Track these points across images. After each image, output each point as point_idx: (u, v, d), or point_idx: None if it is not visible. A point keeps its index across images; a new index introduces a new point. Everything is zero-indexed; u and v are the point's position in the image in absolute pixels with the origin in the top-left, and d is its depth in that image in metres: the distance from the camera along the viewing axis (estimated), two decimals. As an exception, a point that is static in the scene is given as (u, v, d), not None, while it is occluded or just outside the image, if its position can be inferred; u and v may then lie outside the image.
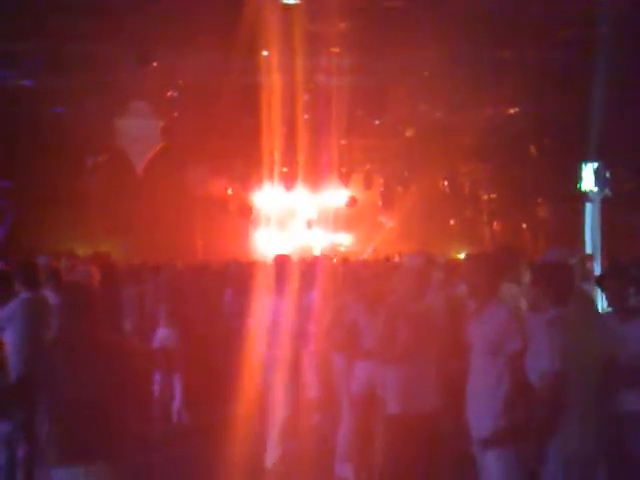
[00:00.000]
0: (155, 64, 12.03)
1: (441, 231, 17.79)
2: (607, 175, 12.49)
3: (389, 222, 18.15)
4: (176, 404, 8.25)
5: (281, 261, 7.07)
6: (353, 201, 17.71)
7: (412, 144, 16.36)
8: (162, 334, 8.23)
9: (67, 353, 3.74)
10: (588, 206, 12.22)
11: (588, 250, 11.06)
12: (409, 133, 16.22)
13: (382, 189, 17.93)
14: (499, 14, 11.31)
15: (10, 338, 5.48)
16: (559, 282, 4.16)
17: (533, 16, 11.47)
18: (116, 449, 3.68)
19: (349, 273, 7.19)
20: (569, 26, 11.96)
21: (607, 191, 12.46)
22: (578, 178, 12.61)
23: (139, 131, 13.37)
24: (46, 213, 14.63)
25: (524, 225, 16.97)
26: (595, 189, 12.34)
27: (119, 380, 3.68)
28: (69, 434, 3.65)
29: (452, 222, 18.48)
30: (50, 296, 6.20)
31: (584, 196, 12.43)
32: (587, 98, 11.60)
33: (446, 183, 17.41)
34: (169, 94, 13.05)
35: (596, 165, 12.36)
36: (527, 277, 5.47)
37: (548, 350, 3.89)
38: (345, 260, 10.14)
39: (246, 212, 17.51)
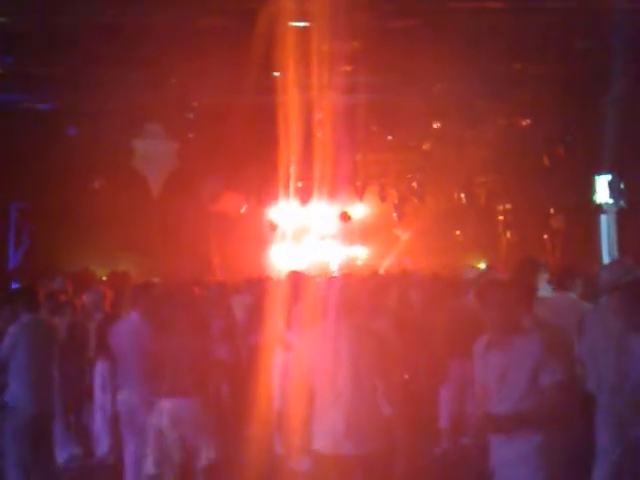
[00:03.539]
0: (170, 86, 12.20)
1: (457, 242, 17.81)
2: (622, 187, 12.44)
3: (405, 234, 18.19)
4: None
5: (295, 278, 7.19)
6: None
7: (426, 157, 16.42)
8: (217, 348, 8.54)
9: (174, 333, 5.88)
10: (603, 218, 12.16)
11: (605, 262, 11.04)
12: (423, 147, 16.28)
13: (397, 202, 17.99)
14: (510, 27, 11.36)
15: (14, 362, 5.69)
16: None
17: (545, 28, 11.51)
18: (201, 390, 5.80)
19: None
20: (581, 38, 11.97)
21: (622, 203, 12.39)
22: (592, 190, 12.56)
23: (155, 152, 13.54)
24: (62, 234, 14.83)
25: (543, 236, 16.93)
26: (610, 201, 12.29)
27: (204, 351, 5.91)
28: (175, 378, 5.72)
29: (468, 233, 18.46)
30: (45, 318, 6.43)
31: (599, 208, 12.37)
32: (600, 110, 11.61)
33: (462, 195, 17.42)
34: (184, 115, 13.21)
35: (610, 177, 12.32)
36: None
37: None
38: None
39: (271, 227, 17.67)
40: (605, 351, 4.90)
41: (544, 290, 5.83)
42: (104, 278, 13.03)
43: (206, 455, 5.85)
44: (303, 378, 6.57)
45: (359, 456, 4.52)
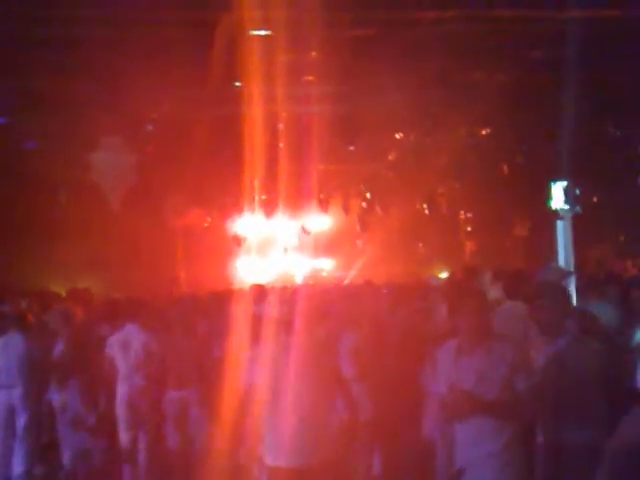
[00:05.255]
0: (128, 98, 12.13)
1: (420, 252, 17.92)
2: (577, 192, 12.68)
3: (368, 245, 18.24)
4: None
5: (257, 291, 7.17)
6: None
7: (388, 167, 16.52)
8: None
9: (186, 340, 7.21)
10: (559, 224, 12.36)
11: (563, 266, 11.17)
12: (385, 157, 16.38)
13: (360, 213, 18.02)
14: (467, 37, 11.52)
15: None
16: None
17: (501, 38, 11.69)
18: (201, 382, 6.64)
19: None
20: (536, 47, 12.18)
21: (578, 208, 12.63)
22: (549, 196, 12.78)
23: (113, 166, 13.43)
24: (20, 251, 14.60)
25: (504, 243, 17.12)
26: (566, 207, 12.51)
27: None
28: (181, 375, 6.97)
29: (431, 243, 18.60)
30: (16, 338, 6.57)
31: (555, 214, 12.58)
32: (555, 118, 11.81)
33: (424, 205, 17.55)
34: (143, 128, 13.14)
35: (565, 183, 12.55)
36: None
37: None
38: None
39: (237, 241, 17.57)
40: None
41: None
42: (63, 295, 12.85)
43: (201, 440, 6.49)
44: (255, 391, 6.61)
45: (309, 467, 4.55)
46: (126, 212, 14.45)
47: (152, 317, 8.02)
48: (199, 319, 9.05)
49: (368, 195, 17.74)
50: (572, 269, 10.81)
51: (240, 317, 7.12)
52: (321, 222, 18.09)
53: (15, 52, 10.78)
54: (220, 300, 9.64)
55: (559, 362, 4.25)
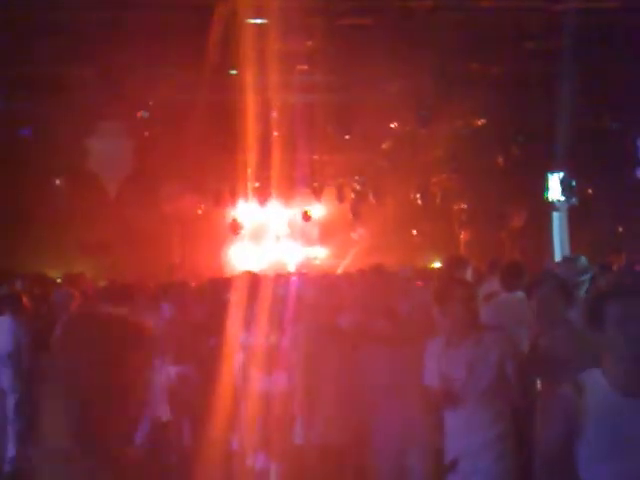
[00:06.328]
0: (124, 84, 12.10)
1: (414, 242, 17.93)
2: (573, 184, 12.65)
3: (361, 235, 18.25)
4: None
5: (249, 279, 7.17)
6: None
7: (383, 157, 16.50)
8: None
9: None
10: (555, 215, 12.34)
11: (557, 258, 11.22)
12: (379, 147, 16.36)
13: (354, 202, 18.01)
14: (464, 28, 11.50)
15: None
16: None
17: (497, 29, 11.68)
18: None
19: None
20: (532, 38, 12.17)
21: (574, 200, 12.60)
22: (545, 188, 12.75)
23: (110, 152, 13.41)
24: (16, 235, 14.58)
25: (499, 234, 17.11)
26: (562, 198, 12.50)
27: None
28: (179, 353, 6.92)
29: (425, 233, 18.60)
30: (6, 320, 6.59)
31: (551, 205, 12.56)
32: (552, 109, 11.81)
33: (418, 195, 17.54)
34: (139, 114, 13.10)
35: (562, 175, 12.53)
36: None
37: None
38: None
39: (235, 228, 17.56)
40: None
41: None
42: (59, 280, 12.84)
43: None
44: (260, 377, 6.62)
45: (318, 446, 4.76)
46: (123, 199, 14.43)
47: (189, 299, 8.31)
48: (194, 306, 9.13)
49: (360, 185, 17.73)
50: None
51: (233, 304, 7.15)
52: (315, 211, 18.10)
53: (10, 38, 10.72)
54: (214, 287, 9.69)
55: (551, 352, 4.23)
